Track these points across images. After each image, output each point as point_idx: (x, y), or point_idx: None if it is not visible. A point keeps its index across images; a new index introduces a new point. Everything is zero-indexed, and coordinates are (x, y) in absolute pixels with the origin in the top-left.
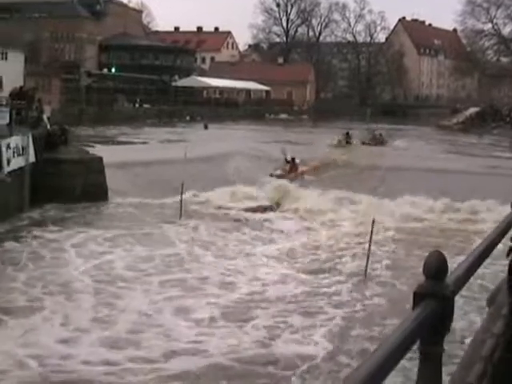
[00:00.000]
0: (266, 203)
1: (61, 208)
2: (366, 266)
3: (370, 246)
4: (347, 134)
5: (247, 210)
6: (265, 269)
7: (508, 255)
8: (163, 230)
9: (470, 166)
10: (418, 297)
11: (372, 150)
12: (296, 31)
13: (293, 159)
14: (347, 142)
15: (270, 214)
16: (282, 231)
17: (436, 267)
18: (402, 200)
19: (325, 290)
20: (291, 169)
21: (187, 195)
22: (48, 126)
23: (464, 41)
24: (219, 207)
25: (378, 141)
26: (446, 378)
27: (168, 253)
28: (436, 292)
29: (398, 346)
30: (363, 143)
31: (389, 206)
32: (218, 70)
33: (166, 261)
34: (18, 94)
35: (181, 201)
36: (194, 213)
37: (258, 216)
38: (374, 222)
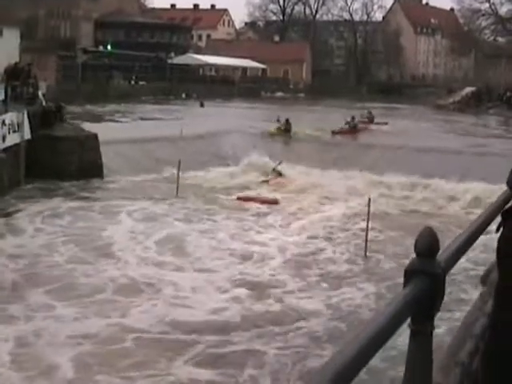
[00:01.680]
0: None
1: (55, 184)
2: (366, 244)
3: (367, 224)
4: (287, 121)
5: (242, 186)
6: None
7: (497, 230)
8: (159, 206)
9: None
10: (409, 274)
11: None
12: (293, 9)
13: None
14: (286, 130)
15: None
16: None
17: (427, 244)
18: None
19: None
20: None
21: (183, 173)
22: (43, 103)
23: (461, 20)
24: (215, 184)
25: (364, 122)
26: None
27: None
28: (427, 270)
29: (387, 323)
30: (334, 132)
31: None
32: (214, 48)
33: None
34: (13, 70)
35: (177, 178)
36: (190, 190)
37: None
38: (370, 200)
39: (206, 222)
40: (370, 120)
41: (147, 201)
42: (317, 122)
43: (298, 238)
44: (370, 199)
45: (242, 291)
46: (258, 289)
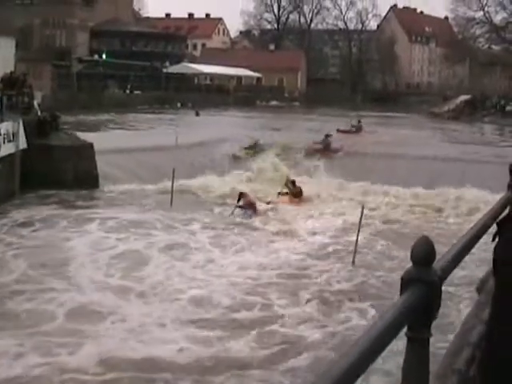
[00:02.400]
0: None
1: (49, 194)
2: (354, 253)
3: (358, 232)
4: (255, 144)
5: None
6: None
7: (493, 240)
8: (153, 216)
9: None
10: (405, 282)
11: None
12: (287, 18)
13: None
14: (253, 151)
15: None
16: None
17: (423, 253)
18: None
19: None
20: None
21: (178, 182)
22: (39, 113)
23: (455, 28)
24: (209, 193)
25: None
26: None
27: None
28: (423, 278)
29: (385, 331)
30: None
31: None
32: (209, 57)
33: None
34: (9, 80)
35: (172, 188)
36: (185, 199)
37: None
38: (363, 208)
39: (194, 235)
40: (358, 130)
41: (137, 210)
42: (306, 133)
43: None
44: (363, 207)
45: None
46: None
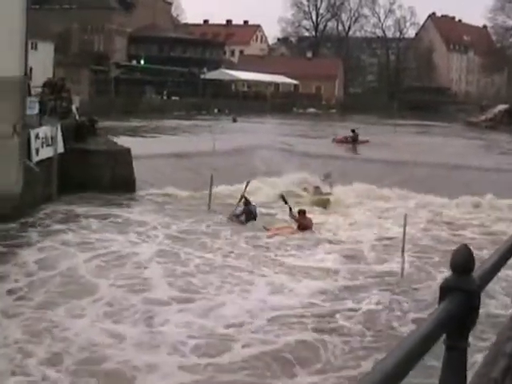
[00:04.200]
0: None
1: (88, 198)
2: (403, 264)
3: (403, 242)
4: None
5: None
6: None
7: None
8: (191, 222)
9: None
10: (444, 291)
11: None
12: (325, 25)
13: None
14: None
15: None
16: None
17: (462, 261)
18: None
19: None
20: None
21: (216, 188)
22: (77, 117)
23: (494, 37)
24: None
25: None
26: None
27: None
28: (462, 286)
29: (423, 339)
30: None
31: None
32: (246, 63)
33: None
34: (50, 84)
35: (209, 193)
36: (222, 205)
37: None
38: (406, 217)
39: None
40: (354, 139)
41: (178, 217)
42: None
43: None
44: (405, 216)
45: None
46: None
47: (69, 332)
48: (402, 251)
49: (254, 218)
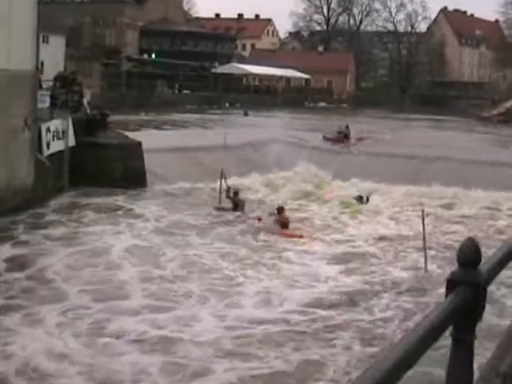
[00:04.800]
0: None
1: (99, 192)
2: (425, 259)
3: (424, 238)
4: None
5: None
6: None
7: None
8: (202, 215)
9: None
10: (451, 284)
11: None
12: (337, 20)
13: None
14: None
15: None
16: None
17: (469, 255)
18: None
19: None
20: None
21: (227, 181)
22: (88, 111)
23: (506, 32)
24: (257, 193)
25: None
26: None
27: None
28: (469, 279)
29: (430, 330)
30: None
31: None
32: (258, 57)
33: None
34: (61, 78)
35: (220, 187)
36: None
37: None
38: (423, 212)
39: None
40: (346, 136)
41: (189, 209)
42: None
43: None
44: (423, 212)
45: None
46: None
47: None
48: (424, 247)
49: (242, 211)
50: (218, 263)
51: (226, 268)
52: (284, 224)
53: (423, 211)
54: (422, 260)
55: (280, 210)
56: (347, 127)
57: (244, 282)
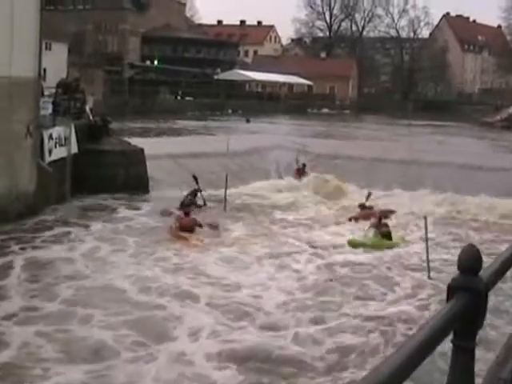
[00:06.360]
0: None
1: (101, 198)
2: (428, 265)
3: (427, 243)
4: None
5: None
6: None
7: None
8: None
9: None
10: (452, 290)
11: None
12: (339, 26)
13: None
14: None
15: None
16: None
17: (470, 261)
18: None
19: None
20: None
21: (231, 188)
22: (91, 117)
23: (508, 37)
24: (262, 200)
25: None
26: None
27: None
28: (469, 286)
29: (430, 336)
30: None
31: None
32: (260, 64)
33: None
34: (64, 85)
35: (225, 194)
36: (238, 206)
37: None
38: (426, 218)
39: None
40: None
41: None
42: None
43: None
44: (425, 218)
45: None
46: None
47: None
48: (427, 252)
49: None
50: None
51: None
52: (185, 227)
53: (425, 218)
54: None
55: (187, 213)
56: (304, 165)
57: None
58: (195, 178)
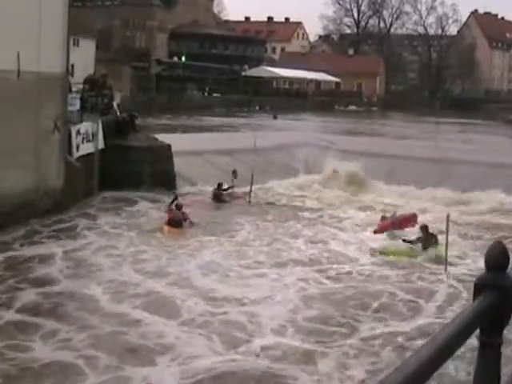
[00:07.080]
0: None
1: (128, 194)
2: (446, 263)
3: (447, 242)
4: None
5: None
6: None
7: None
8: (234, 217)
9: None
10: (479, 287)
11: None
12: (367, 23)
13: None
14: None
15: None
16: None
17: (497, 258)
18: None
19: None
20: None
21: (257, 184)
22: (118, 113)
23: None
24: (288, 196)
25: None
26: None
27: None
28: (497, 283)
29: (456, 333)
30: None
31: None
32: (287, 61)
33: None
34: (91, 81)
35: (250, 190)
36: (264, 202)
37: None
38: (448, 216)
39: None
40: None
41: (220, 212)
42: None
43: None
44: (448, 216)
45: None
46: None
47: None
48: (446, 247)
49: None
50: None
51: None
52: (171, 220)
53: (448, 215)
54: None
55: (179, 206)
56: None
57: None
58: (234, 173)
